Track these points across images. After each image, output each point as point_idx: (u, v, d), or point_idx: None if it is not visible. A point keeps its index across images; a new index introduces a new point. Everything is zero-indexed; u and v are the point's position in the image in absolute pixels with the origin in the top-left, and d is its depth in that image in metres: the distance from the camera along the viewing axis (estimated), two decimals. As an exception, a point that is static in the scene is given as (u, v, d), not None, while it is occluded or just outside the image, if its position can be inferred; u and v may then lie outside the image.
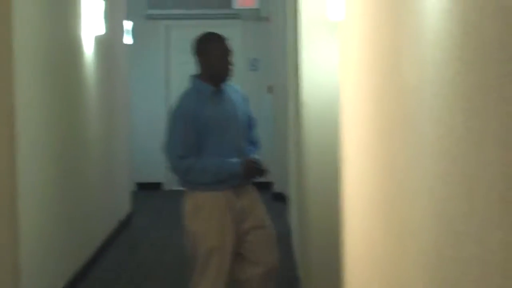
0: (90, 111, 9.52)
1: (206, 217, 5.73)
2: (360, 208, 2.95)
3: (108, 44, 10.41)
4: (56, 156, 7.86)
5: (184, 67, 14.61)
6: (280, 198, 12.32)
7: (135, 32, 13.59)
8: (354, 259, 3.22)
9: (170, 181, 14.60)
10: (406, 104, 1.99)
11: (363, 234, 2.89)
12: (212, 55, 5.90)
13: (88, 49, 9.31)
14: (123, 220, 11.26)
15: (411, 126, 1.95)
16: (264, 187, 10.82)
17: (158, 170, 14.55)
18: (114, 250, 9.97)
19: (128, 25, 12.72)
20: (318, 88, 6.46)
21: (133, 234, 11.07)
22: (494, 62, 1.28)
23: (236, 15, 14.31)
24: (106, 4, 9.96)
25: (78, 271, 8.43)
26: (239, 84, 6.53)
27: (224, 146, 5.81)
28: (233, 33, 14.46)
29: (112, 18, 10.65)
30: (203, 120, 5.77)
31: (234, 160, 5.77)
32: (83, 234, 8.90)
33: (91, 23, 9.33)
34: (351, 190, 3.22)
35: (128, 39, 12.69)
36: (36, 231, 6.98)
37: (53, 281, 7.49)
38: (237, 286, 5.87)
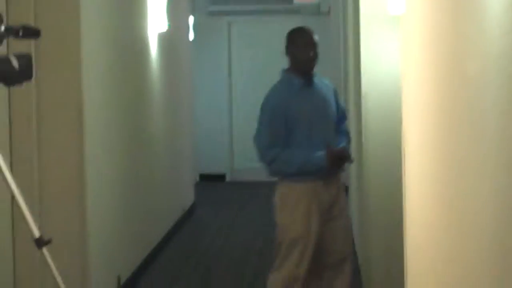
0: (155, 106, 9.59)
1: (292, 207, 5.72)
2: (421, 199, 2.94)
3: (171, 40, 10.46)
4: (124, 150, 7.92)
5: (245, 62, 14.69)
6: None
7: (197, 28, 13.64)
8: (415, 250, 3.20)
9: (233, 173, 14.67)
10: (469, 96, 1.98)
11: (425, 224, 2.87)
12: (297, 47, 5.85)
13: (152, 46, 9.37)
14: (187, 210, 11.33)
15: (473, 117, 1.93)
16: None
17: (222, 162, 14.62)
18: (178, 238, 10.05)
19: (190, 21, 12.76)
20: (379, 80, 6.44)
21: (196, 224, 11.14)
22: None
23: (296, 10, 14.29)
24: (168, 1, 10.01)
25: (145, 258, 8.50)
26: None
27: (313, 139, 5.77)
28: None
29: (175, 14, 10.70)
30: (292, 112, 5.76)
31: (320, 153, 5.69)
32: (150, 223, 8.98)
33: (155, 20, 9.38)
34: (412, 181, 3.20)
35: (190, 35, 12.73)
36: (106, 221, 7.05)
37: (122, 267, 7.57)
38: (312, 273, 5.83)
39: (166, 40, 10.06)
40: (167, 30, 9.95)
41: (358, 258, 7.93)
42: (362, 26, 6.75)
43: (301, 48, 5.83)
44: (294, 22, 14.36)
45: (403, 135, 3.42)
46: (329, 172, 5.73)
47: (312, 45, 5.86)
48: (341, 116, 6.11)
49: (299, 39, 5.88)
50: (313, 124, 5.80)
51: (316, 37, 5.93)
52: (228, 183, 14.61)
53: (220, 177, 14.72)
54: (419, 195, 3.00)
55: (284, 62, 6.01)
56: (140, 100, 8.81)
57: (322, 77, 6.13)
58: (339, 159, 5.78)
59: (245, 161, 14.29)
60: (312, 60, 5.86)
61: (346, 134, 6.13)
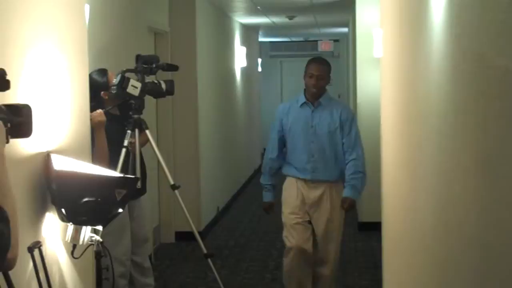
0: (239, 107, 9.61)
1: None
2: (391, 165, 2.91)
3: (248, 72, 10.47)
4: (221, 133, 7.96)
5: (291, 85, 14.80)
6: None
7: (263, 65, 13.64)
8: (388, 187, 3.17)
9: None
10: (419, 108, 1.95)
11: (393, 178, 2.85)
12: (305, 75, 4.22)
13: (237, 75, 9.39)
14: (256, 169, 11.35)
15: (421, 122, 1.91)
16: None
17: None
18: (251, 185, 10.06)
19: (259, 61, 12.77)
20: (367, 95, 6.37)
21: (262, 177, 11.12)
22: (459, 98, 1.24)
23: (320, 55, 14.27)
24: (246, 49, 10.02)
25: (232, 196, 8.55)
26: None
27: (298, 148, 4.15)
28: (318, 64, 14.53)
29: (250, 57, 10.70)
30: (285, 122, 4.22)
31: (267, 194, 4.32)
32: (236, 176, 9.02)
33: (239, 60, 9.39)
34: (387, 157, 3.17)
35: (259, 69, 12.76)
36: (211, 175, 7.09)
37: (220, 201, 7.62)
38: None
39: (245, 72, 10.08)
40: (246, 66, 9.96)
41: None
42: (358, 64, 6.69)
43: (307, 77, 4.17)
44: (318, 61, 14.56)
45: (381, 129, 3.38)
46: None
47: (315, 76, 4.11)
48: (347, 144, 4.10)
49: (307, 69, 4.18)
50: (301, 136, 4.10)
51: (322, 68, 4.15)
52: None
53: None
54: (389, 163, 2.97)
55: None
56: (230, 105, 8.84)
57: (338, 103, 4.33)
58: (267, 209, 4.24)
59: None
60: (313, 87, 4.11)
61: (355, 174, 4.04)
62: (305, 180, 4.12)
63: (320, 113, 4.13)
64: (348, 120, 4.13)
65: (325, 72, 4.14)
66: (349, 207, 4.06)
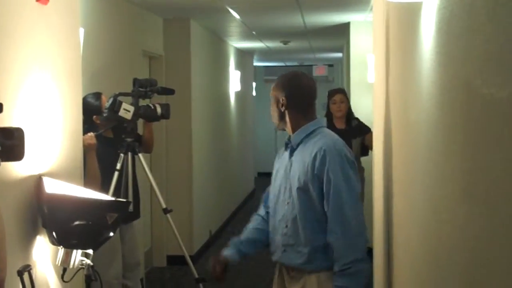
0: (233, 131, 9.62)
1: None
2: (382, 189, 2.93)
3: (242, 95, 10.51)
4: (214, 156, 7.96)
5: (284, 108, 14.84)
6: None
7: (257, 89, 13.70)
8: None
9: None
10: (410, 132, 1.97)
11: (382, 200, 2.86)
12: None
13: (232, 98, 9.42)
14: (250, 193, 11.33)
15: (412, 142, 1.93)
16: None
17: (270, 165, 14.64)
18: (244, 210, 10.03)
19: (253, 85, 12.83)
20: (361, 117, 6.40)
21: (255, 201, 11.10)
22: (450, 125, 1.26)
23: (315, 79, 14.36)
24: (241, 73, 10.07)
25: (226, 220, 8.52)
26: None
27: (274, 208, 2.85)
28: (312, 89, 14.55)
29: (244, 81, 10.75)
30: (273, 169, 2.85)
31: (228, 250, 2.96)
32: (229, 200, 8.99)
33: (233, 84, 9.43)
34: (378, 182, 3.19)
35: (253, 93, 12.81)
36: (203, 199, 7.08)
37: (213, 224, 7.59)
38: None
39: (240, 95, 10.11)
40: (240, 90, 10.00)
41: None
42: (351, 88, 6.73)
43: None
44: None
45: (373, 153, 3.40)
46: None
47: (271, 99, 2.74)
48: (329, 212, 2.41)
49: None
50: (277, 193, 2.75)
51: (273, 89, 2.80)
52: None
53: (270, 174, 14.71)
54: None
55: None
56: (224, 129, 8.85)
57: (320, 139, 2.55)
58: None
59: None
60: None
61: (344, 270, 2.36)
62: (284, 266, 2.58)
63: (296, 158, 2.57)
64: (325, 167, 2.41)
65: (276, 92, 2.73)
66: None
